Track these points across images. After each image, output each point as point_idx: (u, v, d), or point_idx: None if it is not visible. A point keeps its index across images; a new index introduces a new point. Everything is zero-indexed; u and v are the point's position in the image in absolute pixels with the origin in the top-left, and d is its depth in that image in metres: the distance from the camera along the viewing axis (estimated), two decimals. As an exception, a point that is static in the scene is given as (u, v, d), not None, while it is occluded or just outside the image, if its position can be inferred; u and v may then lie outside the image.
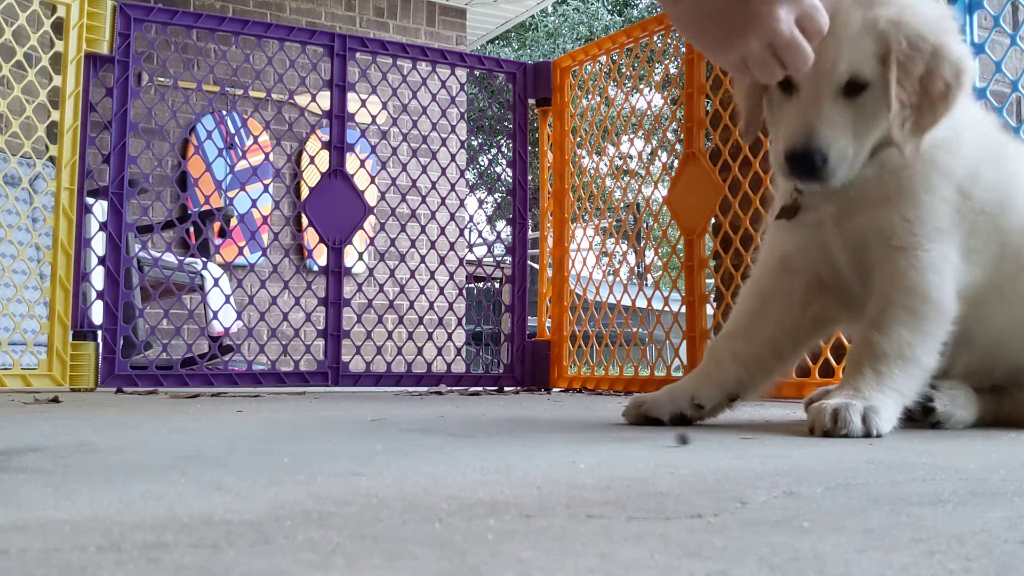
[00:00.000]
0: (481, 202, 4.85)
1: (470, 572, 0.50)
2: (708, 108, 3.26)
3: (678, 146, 3.37)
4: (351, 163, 3.66)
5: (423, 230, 3.81)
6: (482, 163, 12.63)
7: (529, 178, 4.00)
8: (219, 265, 4.29)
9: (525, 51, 17.54)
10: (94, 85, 3.30)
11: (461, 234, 4.87)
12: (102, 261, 3.24)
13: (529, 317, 4.04)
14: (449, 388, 3.61)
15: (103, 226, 3.27)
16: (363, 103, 3.66)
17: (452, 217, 4.06)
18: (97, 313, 3.25)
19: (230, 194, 4.81)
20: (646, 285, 3.64)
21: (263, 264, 5.40)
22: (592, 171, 3.80)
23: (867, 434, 1.42)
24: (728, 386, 1.70)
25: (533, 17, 16.53)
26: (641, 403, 1.71)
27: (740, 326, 1.72)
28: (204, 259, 3.89)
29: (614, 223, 3.76)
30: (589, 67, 3.85)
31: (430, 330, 3.79)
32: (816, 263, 1.69)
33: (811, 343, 1.80)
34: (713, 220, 3.23)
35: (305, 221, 3.63)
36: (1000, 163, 1.67)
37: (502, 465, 1.03)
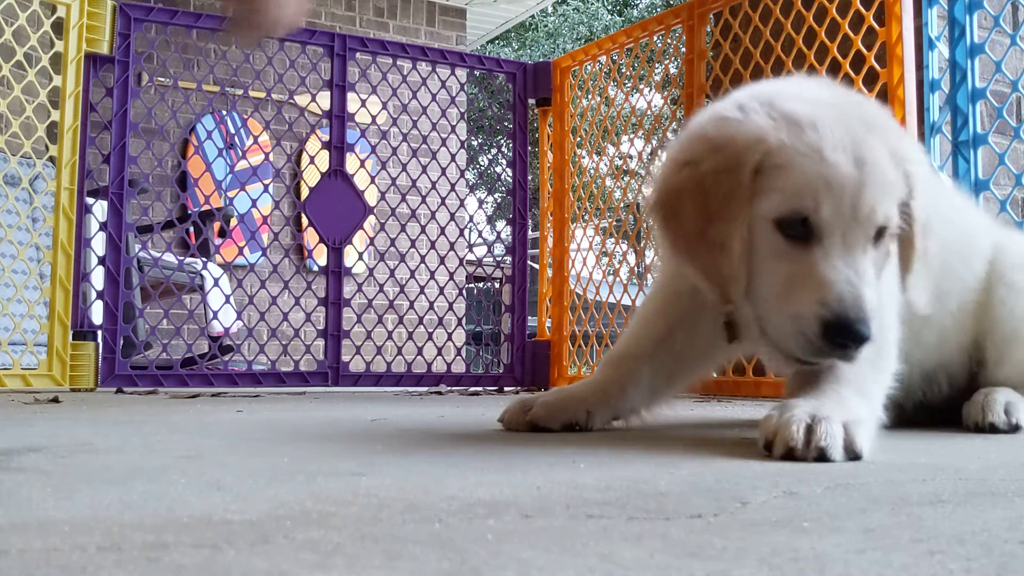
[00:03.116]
0: (481, 202, 4.85)
1: (470, 572, 0.50)
2: (708, 108, 3.26)
3: (678, 146, 3.36)
4: (351, 163, 3.66)
5: (423, 230, 3.81)
6: (482, 163, 12.63)
7: (529, 178, 4.00)
8: (219, 265, 4.29)
9: (525, 51, 17.54)
10: (94, 85, 3.30)
11: (461, 234, 4.87)
12: (102, 261, 3.24)
13: (529, 317, 4.04)
14: (449, 388, 3.61)
15: (103, 226, 3.27)
16: (363, 103, 3.66)
17: (452, 217, 4.06)
18: (97, 313, 3.25)
19: (230, 194, 4.81)
20: (646, 285, 3.64)
21: (263, 264, 5.40)
22: (592, 171, 3.80)
23: (851, 455, 1.11)
24: (619, 410, 1.59)
25: (533, 17, 16.52)
26: (528, 409, 1.55)
27: (645, 350, 1.58)
28: (204, 259, 3.89)
29: (614, 223, 3.76)
30: (589, 67, 3.85)
31: (430, 330, 3.79)
32: None
33: (707, 372, 1.69)
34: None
35: (305, 221, 3.63)
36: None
37: (502, 465, 1.03)
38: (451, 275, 3.88)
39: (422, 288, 3.76)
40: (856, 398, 1.23)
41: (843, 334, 1.15)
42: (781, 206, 1.22)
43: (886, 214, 1.23)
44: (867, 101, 1.39)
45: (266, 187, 4.15)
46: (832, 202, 1.20)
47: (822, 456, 1.08)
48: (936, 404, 1.74)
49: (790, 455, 1.09)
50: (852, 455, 1.10)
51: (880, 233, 1.25)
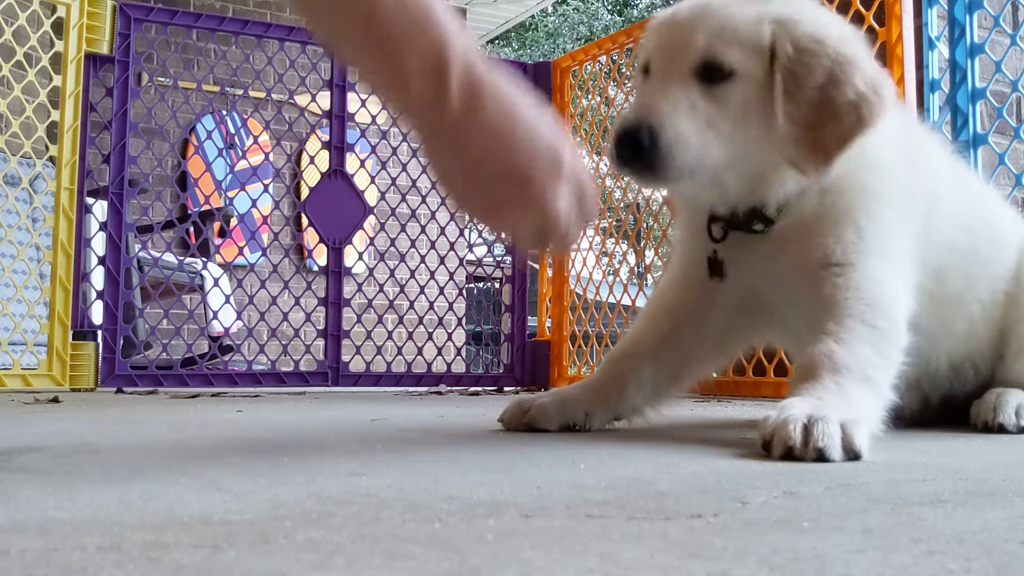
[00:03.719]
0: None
1: (470, 572, 0.50)
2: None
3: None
4: (351, 163, 3.66)
5: (423, 230, 3.81)
6: (482, 163, 12.59)
7: (529, 178, 3.99)
8: (219, 265, 4.29)
9: (525, 51, 17.53)
10: (94, 85, 3.30)
11: (461, 234, 4.87)
12: (102, 261, 3.24)
13: (529, 317, 4.04)
14: (449, 388, 3.61)
15: (103, 226, 3.27)
16: (363, 103, 3.66)
17: (452, 217, 4.06)
18: (97, 313, 3.25)
19: (230, 194, 4.80)
20: (646, 285, 3.64)
21: (263, 264, 5.40)
22: (592, 171, 3.80)
23: (849, 455, 1.10)
24: (619, 410, 1.57)
25: (533, 17, 16.51)
26: (526, 409, 1.54)
27: (648, 348, 1.56)
28: (204, 259, 3.89)
29: (614, 223, 3.76)
30: (589, 67, 3.85)
31: (430, 330, 3.79)
32: (737, 290, 1.51)
33: (709, 372, 1.68)
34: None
35: (305, 221, 3.63)
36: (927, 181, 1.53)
37: (502, 465, 1.03)
38: (451, 275, 3.87)
39: (422, 288, 3.76)
40: (858, 387, 1.21)
41: (620, 141, 1.26)
42: (639, 59, 1.43)
43: (713, 51, 1.31)
44: None
45: (266, 187, 4.15)
46: (657, 41, 1.37)
47: (821, 456, 1.07)
48: (962, 398, 1.71)
49: (789, 455, 1.09)
50: (851, 455, 1.09)
51: (714, 74, 1.31)
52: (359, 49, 1.12)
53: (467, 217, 1.24)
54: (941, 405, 1.73)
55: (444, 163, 1.14)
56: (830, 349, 1.25)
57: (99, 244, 3.28)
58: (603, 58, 3.78)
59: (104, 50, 3.28)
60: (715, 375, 3.24)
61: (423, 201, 3.79)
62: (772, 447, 1.11)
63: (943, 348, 1.63)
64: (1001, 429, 1.56)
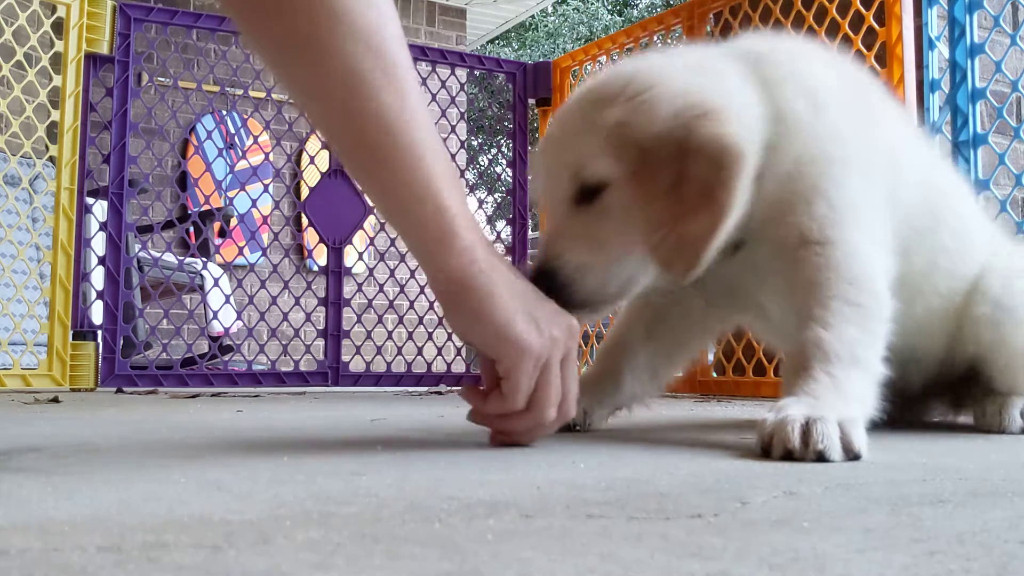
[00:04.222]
0: (481, 202, 4.84)
1: (470, 572, 0.50)
2: (708, 108, 3.25)
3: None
4: (351, 163, 3.65)
5: (423, 230, 3.80)
6: (482, 163, 12.64)
7: (529, 178, 4.00)
8: (219, 265, 4.29)
9: (525, 51, 17.53)
10: (94, 85, 3.30)
11: (461, 234, 4.86)
12: (102, 261, 3.24)
13: (529, 317, 4.03)
14: (449, 388, 3.61)
15: (103, 226, 3.27)
16: (363, 103, 3.65)
17: (452, 217, 4.05)
18: (97, 313, 3.25)
19: (230, 194, 4.80)
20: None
21: (263, 264, 5.40)
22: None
23: (850, 454, 1.09)
24: (619, 402, 1.57)
25: (533, 17, 16.52)
26: None
27: (638, 333, 1.56)
28: (204, 259, 3.89)
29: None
30: (589, 67, 3.85)
31: (430, 330, 3.79)
32: (716, 278, 1.44)
33: (704, 348, 1.67)
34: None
35: (305, 221, 3.63)
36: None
37: (502, 465, 1.03)
38: (451, 275, 3.87)
39: (422, 288, 3.75)
40: (849, 372, 1.20)
41: (536, 283, 1.25)
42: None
43: (580, 174, 1.27)
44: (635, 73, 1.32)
45: (266, 187, 4.15)
46: (535, 174, 1.36)
47: (821, 457, 1.07)
48: (899, 387, 1.67)
49: (789, 457, 1.08)
50: (851, 455, 1.09)
51: (590, 193, 1.27)
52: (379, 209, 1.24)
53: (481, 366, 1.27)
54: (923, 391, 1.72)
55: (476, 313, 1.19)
56: (818, 337, 1.23)
57: (99, 244, 3.28)
58: (603, 58, 3.78)
59: (104, 50, 3.28)
60: (715, 375, 3.24)
61: (423, 201, 3.79)
62: (772, 449, 1.11)
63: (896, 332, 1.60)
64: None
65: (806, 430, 1.08)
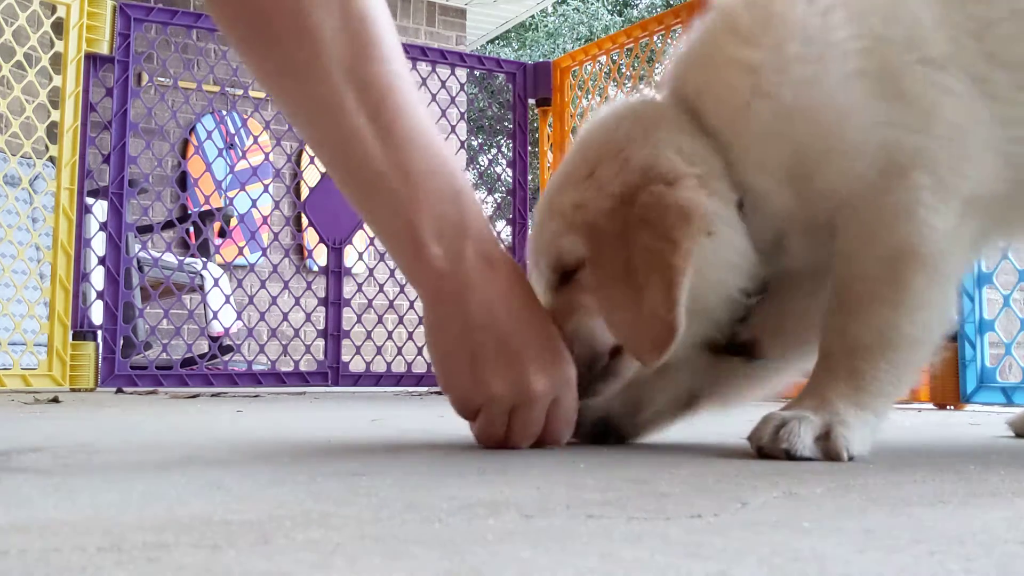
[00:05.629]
0: (481, 202, 4.84)
1: (470, 572, 0.50)
2: (708, 108, 3.26)
3: (678, 146, 3.36)
4: (351, 163, 3.65)
5: (423, 230, 3.80)
6: (482, 163, 12.64)
7: (529, 178, 4.00)
8: (219, 265, 4.29)
9: (525, 51, 17.53)
10: (94, 85, 3.30)
11: (461, 234, 4.86)
12: (102, 261, 3.24)
13: (529, 317, 4.03)
14: (449, 388, 3.61)
15: (103, 226, 3.27)
16: (363, 103, 3.65)
17: (452, 217, 4.05)
18: (97, 313, 3.25)
19: (230, 194, 4.81)
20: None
21: (263, 264, 5.40)
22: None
23: (828, 456, 1.05)
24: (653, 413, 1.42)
25: (533, 17, 16.51)
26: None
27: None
28: (204, 259, 3.89)
29: (614, 223, 3.75)
30: (589, 67, 3.85)
31: (430, 330, 3.78)
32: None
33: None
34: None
35: (305, 221, 3.63)
36: None
37: (502, 465, 1.03)
38: (451, 275, 3.87)
39: (422, 288, 3.75)
40: (860, 383, 1.11)
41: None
42: None
43: (560, 260, 1.22)
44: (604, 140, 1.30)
45: (266, 187, 4.15)
46: (528, 260, 1.32)
47: (792, 456, 1.05)
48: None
49: (760, 453, 1.09)
50: (833, 457, 1.05)
51: (569, 272, 1.22)
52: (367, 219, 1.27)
53: (441, 388, 1.21)
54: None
55: (442, 324, 1.16)
56: (840, 325, 1.13)
57: (99, 244, 3.28)
58: (603, 58, 3.78)
59: (104, 50, 3.28)
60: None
61: (423, 201, 3.79)
62: (751, 444, 1.11)
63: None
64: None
65: (776, 431, 1.07)
